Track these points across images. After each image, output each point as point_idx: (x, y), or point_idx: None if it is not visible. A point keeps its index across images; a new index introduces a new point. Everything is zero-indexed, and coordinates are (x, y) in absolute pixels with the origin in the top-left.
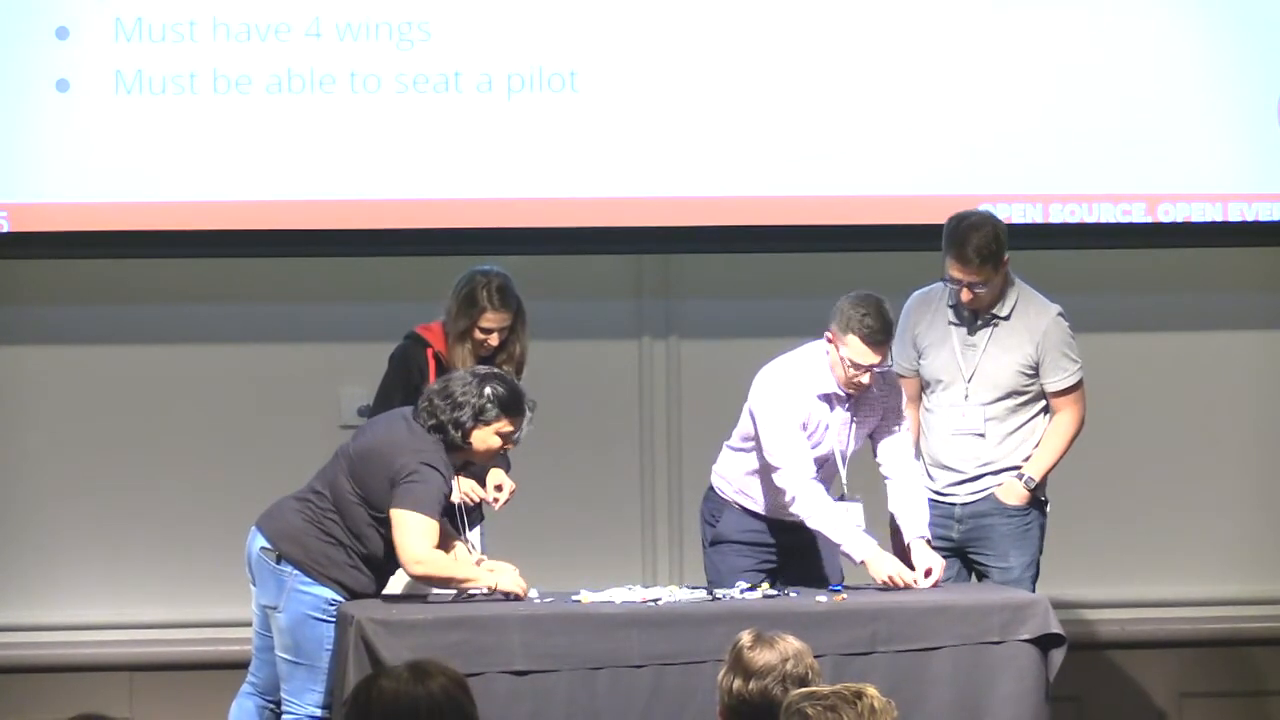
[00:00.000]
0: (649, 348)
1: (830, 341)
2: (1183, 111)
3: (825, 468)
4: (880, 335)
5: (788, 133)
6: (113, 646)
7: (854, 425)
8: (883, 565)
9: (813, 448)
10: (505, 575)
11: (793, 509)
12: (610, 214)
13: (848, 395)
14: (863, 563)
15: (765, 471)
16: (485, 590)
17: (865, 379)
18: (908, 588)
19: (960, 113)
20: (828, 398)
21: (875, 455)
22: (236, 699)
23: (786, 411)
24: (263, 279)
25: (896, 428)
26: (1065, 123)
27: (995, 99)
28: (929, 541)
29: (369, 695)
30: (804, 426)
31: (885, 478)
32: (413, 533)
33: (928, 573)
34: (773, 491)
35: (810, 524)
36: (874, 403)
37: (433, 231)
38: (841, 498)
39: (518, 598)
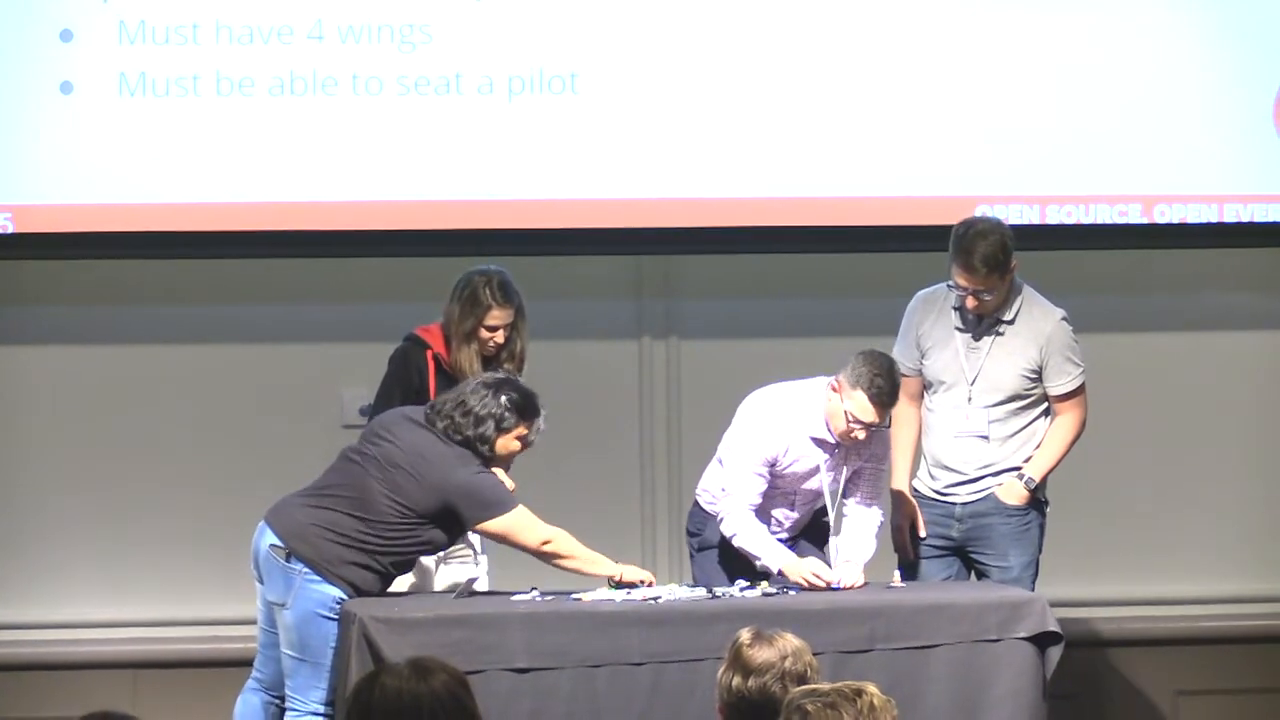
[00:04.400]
0: (649, 348)
1: (835, 391)
2: (1179, 114)
3: (798, 504)
4: (887, 398)
5: (786, 135)
6: (116, 645)
7: (843, 468)
8: (801, 566)
9: (797, 484)
10: (630, 570)
11: (722, 527)
12: (610, 215)
13: (838, 443)
14: (780, 571)
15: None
16: (609, 576)
17: (861, 435)
18: (827, 586)
19: (958, 115)
20: (820, 442)
21: (844, 492)
22: (241, 695)
23: (759, 447)
24: (266, 280)
25: (873, 473)
26: (1062, 125)
27: (993, 102)
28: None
29: (371, 692)
30: (775, 463)
31: (844, 514)
32: (522, 529)
33: (843, 574)
34: (760, 510)
35: (735, 542)
36: (860, 449)
37: (435, 233)
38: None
39: (648, 584)
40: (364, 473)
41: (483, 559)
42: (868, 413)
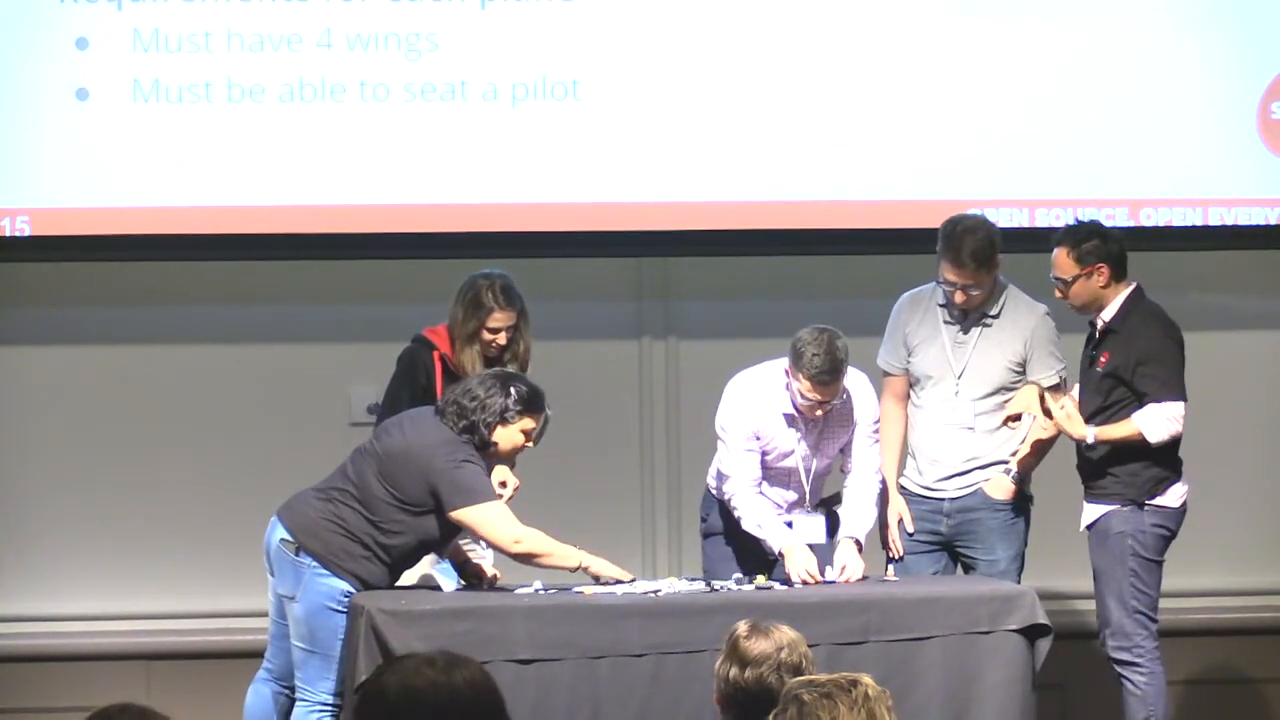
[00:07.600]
0: (649, 348)
1: (788, 374)
2: (1165, 119)
3: (792, 484)
4: (828, 376)
5: (783, 140)
6: (130, 636)
7: (821, 443)
8: (797, 560)
9: (777, 462)
10: (603, 565)
11: (735, 512)
12: (611, 218)
13: (809, 419)
14: (780, 554)
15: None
16: (580, 568)
17: (820, 412)
18: (818, 583)
19: (950, 121)
20: (791, 418)
21: (842, 468)
22: (252, 685)
23: (740, 426)
24: (275, 281)
25: (863, 444)
26: (1051, 130)
27: (984, 108)
28: (859, 545)
29: (383, 686)
30: (758, 437)
31: (845, 487)
32: (492, 523)
33: (842, 569)
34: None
35: (745, 525)
36: (841, 422)
37: (440, 235)
38: (807, 510)
39: (618, 581)
40: (367, 468)
41: (488, 552)
42: (814, 393)
